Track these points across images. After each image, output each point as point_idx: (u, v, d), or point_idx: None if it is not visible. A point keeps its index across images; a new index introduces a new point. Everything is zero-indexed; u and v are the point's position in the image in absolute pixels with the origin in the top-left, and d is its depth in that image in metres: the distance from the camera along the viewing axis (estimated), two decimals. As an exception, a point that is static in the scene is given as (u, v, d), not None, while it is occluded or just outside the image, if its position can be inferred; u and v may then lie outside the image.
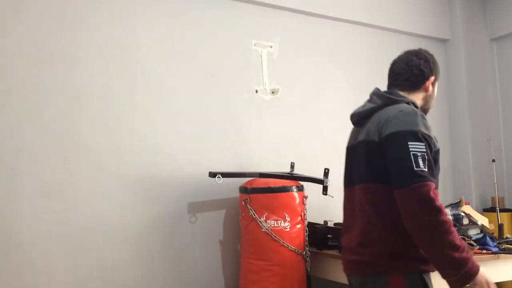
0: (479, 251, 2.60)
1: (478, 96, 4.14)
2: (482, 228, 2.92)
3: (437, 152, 1.59)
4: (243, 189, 2.71)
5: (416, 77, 1.77)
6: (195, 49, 2.99)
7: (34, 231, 2.40)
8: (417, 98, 1.78)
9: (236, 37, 3.16)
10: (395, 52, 3.93)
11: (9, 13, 2.45)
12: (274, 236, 2.56)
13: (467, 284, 1.44)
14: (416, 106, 1.72)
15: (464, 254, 1.43)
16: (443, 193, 4.00)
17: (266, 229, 2.57)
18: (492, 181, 3.64)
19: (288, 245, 2.57)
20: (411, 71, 1.77)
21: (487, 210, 3.77)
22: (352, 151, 1.82)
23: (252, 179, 2.76)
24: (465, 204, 3.07)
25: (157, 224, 2.74)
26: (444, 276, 1.47)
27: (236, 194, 2.86)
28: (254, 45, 3.23)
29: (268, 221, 2.58)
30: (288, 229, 2.59)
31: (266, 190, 2.61)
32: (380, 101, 1.72)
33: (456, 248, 1.42)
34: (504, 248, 2.62)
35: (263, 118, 3.20)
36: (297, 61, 3.39)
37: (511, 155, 4.14)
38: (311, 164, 3.26)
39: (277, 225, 2.58)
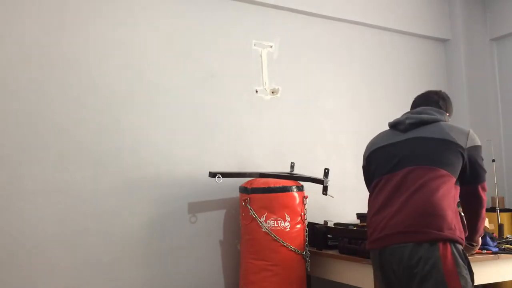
0: (479, 251, 2.60)
1: (478, 96, 4.14)
2: (482, 228, 2.92)
3: None
4: (243, 189, 2.71)
5: (444, 108, 2.21)
6: (195, 49, 2.99)
7: (34, 231, 2.40)
8: None
9: (236, 37, 3.16)
10: (395, 52, 3.91)
11: (9, 13, 2.46)
12: (274, 236, 2.56)
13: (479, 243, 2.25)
14: None
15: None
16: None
17: (266, 229, 2.57)
18: (492, 181, 3.63)
19: (288, 245, 2.57)
20: (444, 100, 2.24)
21: (487, 210, 3.71)
22: (397, 145, 2.09)
23: (252, 179, 2.76)
24: (465, 204, 3.06)
25: (157, 224, 2.74)
26: (472, 239, 2.19)
27: (236, 194, 2.86)
28: (254, 45, 3.23)
29: (268, 221, 2.58)
30: (288, 229, 2.59)
31: (266, 190, 2.61)
32: (438, 114, 2.10)
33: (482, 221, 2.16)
34: (504, 248, 2.62)
35: (263, 118, 3.20)
36: (297, 61, 3.40)
37: (511, 155, 4.14)
38: (311, 164, 3.27)
39: (277, 225, 2.58)
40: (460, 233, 1.90)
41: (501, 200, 3.81)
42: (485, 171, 2.05)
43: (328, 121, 3.48)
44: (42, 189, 2.44)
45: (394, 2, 3.90)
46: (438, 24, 4.14)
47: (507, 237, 2.95)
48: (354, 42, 3.71)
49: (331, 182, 2.79)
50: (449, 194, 1.91)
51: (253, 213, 2.60)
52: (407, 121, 2.09)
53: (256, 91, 3.20)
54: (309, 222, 2.78)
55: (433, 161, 1.96)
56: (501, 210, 3.60)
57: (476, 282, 2.60)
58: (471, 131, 2.05)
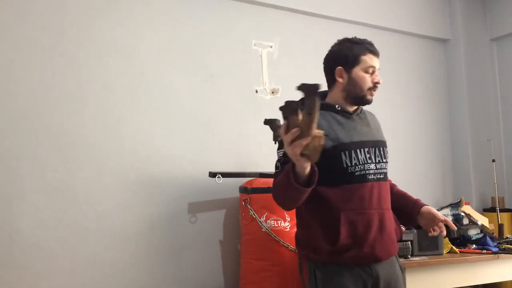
0: (479, 251, 2.60)
1: (478, 96, 4.14)
2: (482, 228, 2.93)
3: (329, 149, 1.63)
4: (243, 189, 2.71)
5: (326, 75, 1.89)
6: (195, 49, 2.99)
7: (34, 231, 2.40)
8: (336, 94, 1.84)
9: (236, 37, 3.16)
10: (395, 52, 3.90)
11: (10, 13, 2.46)
12: (274, 236, 2.56)
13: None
14: (330, 106, 1.78)
15: (283, 185, 1.52)
16: (443, 193, 4.01)
17: (266, 229, 2.57)
18: (492, 181, 3.64)
19: (288, 245, 2.57)
20: (323, 69, 1.90)
21: (487, 210, 3.77)
22: None
23: (252, 179, 2.76)
24: (465, 204, 3.07)
25: (157, 224, 2.74)
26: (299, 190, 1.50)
27: (236, 194, 2.86)
28: (254, 45, 3.23)
29: (268, 221, 2.58)
30: (288, 229, 2.59)
31: (266, 190, 2.61)
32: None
33: (283, 188, 1.53)
34: (504, 248, 2.63)
35: (263, 118, 3.20)
36: (297, 61, 3.39)
37: (511, 155, 4.14)
38: (311, 164, 3.26)
39: (277, 225, 2.58)
40: (310, 246, 1.69)
41: (501, 200, 3.81)
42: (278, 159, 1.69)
43: (328, 121, 3.47)
44: (42, 189, 2.44)
45: (394, 2, 3.89)
46: (438, 24, 4.14)
47: (507, 237, 2.95)
48: (354, 42, 3.70)
49: (331, 182, 2.78)
50: (299, 210, 1.78)
51: (253, 213, 2.60)
52: None
53: (256, 91, 3.20)
54: (309, 222, 2.77)
55: None
56: (501, 210, 3.60)
57: (476, 282, 2.62)
58: None
